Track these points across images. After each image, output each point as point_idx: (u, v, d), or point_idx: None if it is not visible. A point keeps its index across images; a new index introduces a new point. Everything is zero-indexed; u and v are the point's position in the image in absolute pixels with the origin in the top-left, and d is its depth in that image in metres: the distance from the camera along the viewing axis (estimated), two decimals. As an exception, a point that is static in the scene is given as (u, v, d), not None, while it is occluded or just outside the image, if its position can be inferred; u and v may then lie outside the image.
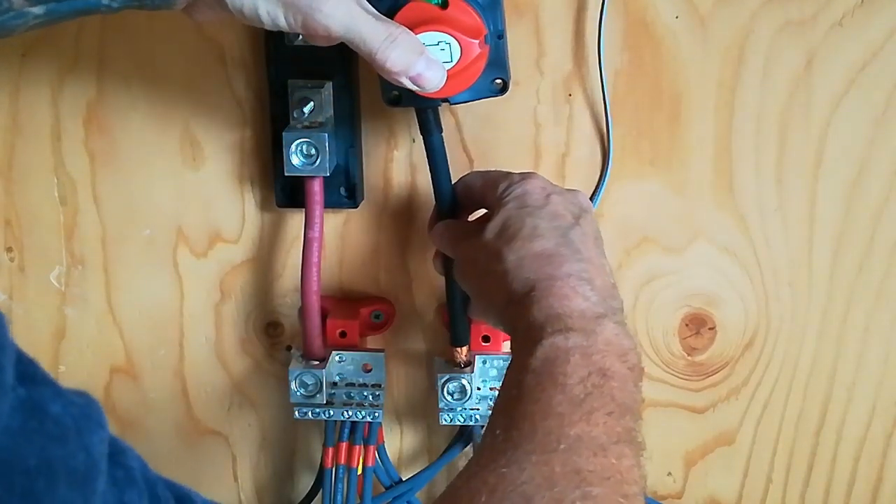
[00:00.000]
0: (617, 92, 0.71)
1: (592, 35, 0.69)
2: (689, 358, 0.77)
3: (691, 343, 0.76)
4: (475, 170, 0.69)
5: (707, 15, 0.69)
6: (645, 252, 0.74)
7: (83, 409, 0.31)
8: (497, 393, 0.56)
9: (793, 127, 0.71)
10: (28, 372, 0.30)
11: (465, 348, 0.73)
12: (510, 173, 0.64)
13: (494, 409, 0.54)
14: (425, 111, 0.66)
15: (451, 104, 0.66)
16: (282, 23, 0.55)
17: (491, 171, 0.66)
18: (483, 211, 0.66)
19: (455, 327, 0.72)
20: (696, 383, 0.77)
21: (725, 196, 0.72)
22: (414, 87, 0.58)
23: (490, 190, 0.63)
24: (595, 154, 0.72)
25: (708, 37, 0.69)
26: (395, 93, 0.65)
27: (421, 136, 0.67)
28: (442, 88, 0.59)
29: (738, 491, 0.80)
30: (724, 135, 0.71)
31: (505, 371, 0.55)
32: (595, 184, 0.73)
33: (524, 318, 0.55)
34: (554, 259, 0.57)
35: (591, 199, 0.73)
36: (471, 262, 0.62)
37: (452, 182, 0.68)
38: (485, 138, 0.72)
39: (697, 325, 0.76)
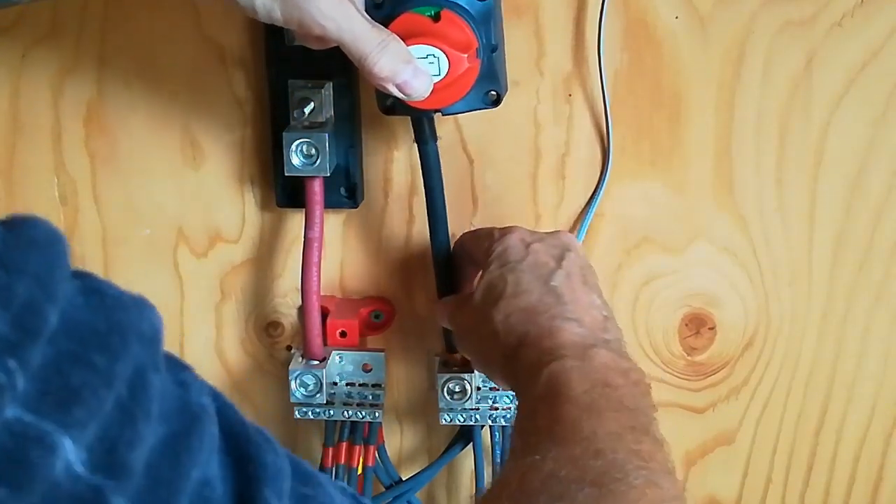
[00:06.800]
0: (617, 92, 0.71)
1: (592, 35, 0.69)
2: (689, 358, 0.77)
3: (691, 343, 0.76)
4: (466, 231, 0.71)
5: (707, 15, 0.69)
6: (645, 252, 0.74)
7: (137, 296, 0.32)
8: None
9: (793, 127, 0.71)
10: (81, 273, 0.31)
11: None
12: (492, 231, 0.66)
13: (511, 438, 0.57)
14: (420, 119, 0.66)
15: (443, 115, 0.66)
16: (277, 16, 0.55)
17: (478, 229, 0.69)
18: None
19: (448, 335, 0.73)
20: (695, 383, 0.77)
21: (725, 196, 0.72)
22: (400, 95, 0.59)
23: (476, 250, 0.66)
24: (595, 154, 0.72)
25: (708, 37, 0.69)
26: (390, 101, 0.65)
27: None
28: (430, 100, 0.60)
29: (737, 491, 0.80)
30: (724, 135, 0.71)
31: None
32: (595, 184, 0.73)
33: (521, 363, 0.57)
34: (539, 309, 0.59)
35: (591, 199, 0.73)
36: (465, 330, 0.65)
37: (445, 192, 0.69)
38: (485, 138, 0.72)
39: (697, 325, 0.76)
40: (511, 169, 0.73)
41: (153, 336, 0.31)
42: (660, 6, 0.69)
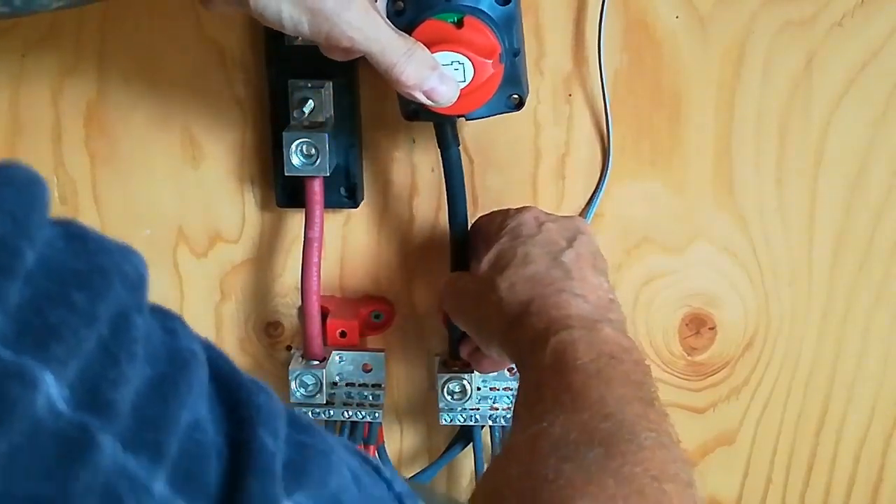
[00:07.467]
0: (617, 92, 0.71)
1: (592, 35, 0.69)
2: (689, 358, 0.77)
3: (691, 343, 0.76)
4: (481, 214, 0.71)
5: (707, 15, 0.69)
6: (645, 252, 0.74)
7: (121, 242, 0.31)
8: (514, 399, 0.57)
9: (793, 127, 0.71)
10: (64, 220, 0.30)
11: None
12: (507, 209, 0.67)
13: (514, 411, 0.55)
14: (443, 125, 0.66)
15: (467, 120, 0.66)
16: (304, 29, 0.55)
17: (493, 211, 0.69)
18: None
19: (453, 342, 0.73)
20: (696, 383, 0.77)
21: (725, 196, 0.72)
22: (427, 102, 0.59)
23: (490, 227, 0.66)
24: (595, 154, 0.72)
25: (708, 37, 0.69)
26: (413, 107, 0.65)
27: (438, 149, 0.68)
28: (456, 106, 0.60)
29: (738, 491, 0.80)
30: (724, 135, 0.71)
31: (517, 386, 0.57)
32: (595, 184, 0.73)
33: (525, 332, 0.56)
34: (545, 280, 0.59)
35: (591, 199, 0.73)
36: (464, 296, 0.64)
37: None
38: (485, 138, 0.72)
39: (697, 325, 0.76)
40: (511, 169, 0.73)
41: (137, 280, 0.30)
42: (660, 6, 0.69)
